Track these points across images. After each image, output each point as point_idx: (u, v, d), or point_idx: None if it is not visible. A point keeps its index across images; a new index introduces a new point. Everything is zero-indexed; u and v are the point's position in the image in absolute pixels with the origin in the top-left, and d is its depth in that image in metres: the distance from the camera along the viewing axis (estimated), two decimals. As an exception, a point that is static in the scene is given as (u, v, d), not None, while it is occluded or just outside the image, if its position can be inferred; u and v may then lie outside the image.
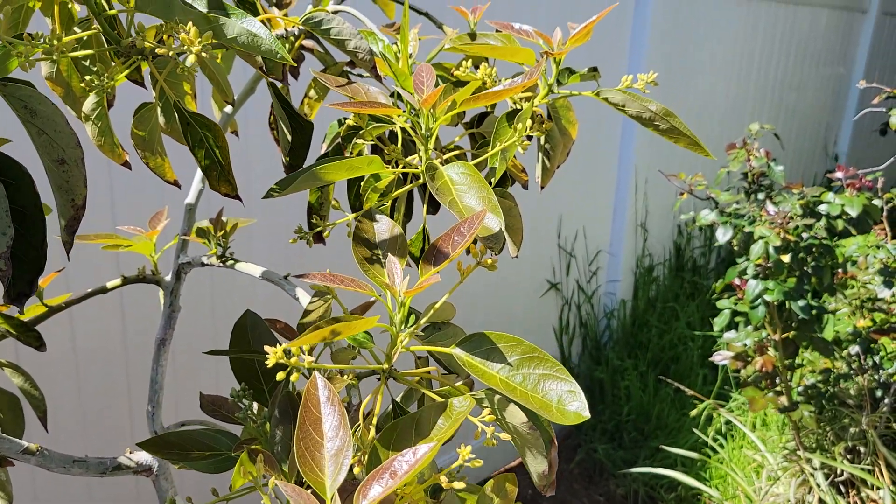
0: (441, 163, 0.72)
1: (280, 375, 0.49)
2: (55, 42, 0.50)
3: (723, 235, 1.89)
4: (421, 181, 0.71)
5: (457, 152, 0.76)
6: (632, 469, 2.69)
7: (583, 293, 3.26)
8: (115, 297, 1.68)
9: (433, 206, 0.83)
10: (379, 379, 0.58)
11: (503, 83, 0.81)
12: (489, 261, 0.59)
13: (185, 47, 0.51)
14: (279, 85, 0.73)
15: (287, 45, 0.85)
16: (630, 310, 3.45)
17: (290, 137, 0.70)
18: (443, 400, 0.55)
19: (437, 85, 0.69)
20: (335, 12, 0.89)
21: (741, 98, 4.02)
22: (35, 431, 1.26)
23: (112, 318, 1.70)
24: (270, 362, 0.48)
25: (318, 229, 0.73)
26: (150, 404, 0.85)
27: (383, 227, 0.64)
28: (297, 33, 0.79)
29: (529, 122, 0.71)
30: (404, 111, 0.71)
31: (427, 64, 0.72)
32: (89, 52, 0.63)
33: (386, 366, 0.56)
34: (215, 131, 0.63)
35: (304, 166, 0.78)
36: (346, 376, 0.61)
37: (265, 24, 0.78)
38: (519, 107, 0.82)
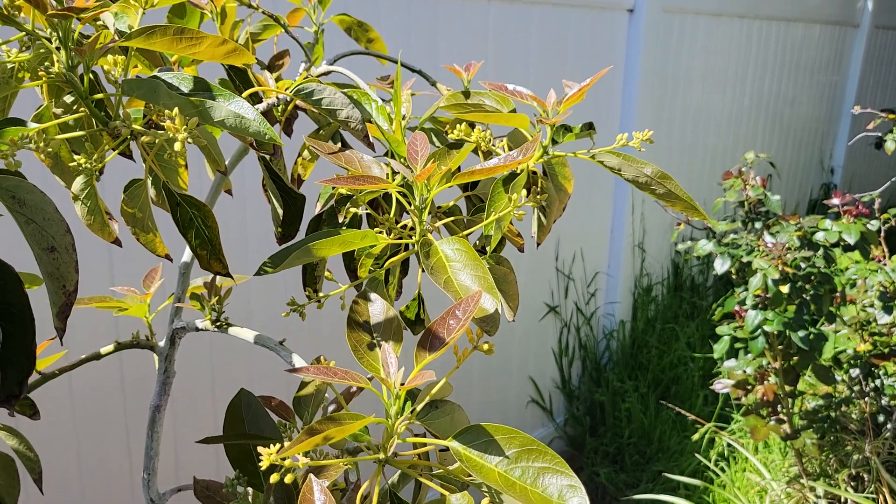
0: (434, 229, 0.72)
1: (274, 478, 0.48)
2: (41, 143, 0.49)
3: (721, 266, 1.88)
4: (415, 250, 0.71)
5: (452, 219, 0.76)
6: (635, 496, 2.67)
7: (581, 315, 3.25)
8: (114, 360, 1.66)
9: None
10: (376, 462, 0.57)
11: (498, 147, 0.81)
12: (485, 346, 0.58)
13: (171, 134, 0.50)
14: (269, 157, 0.72)
15: (280, 107, 0.84)
16: (629, 331, 3.44)
17: (280, 211, 0.70)
18: (440, 489, 0.54)
19: (431, 155, 0.69)
20: (328, 73, 0.89)
21: (736, 112, 4.02)
22: (31, 494, 1.25)
23: (110, 380, 1.69)
24: (264, 464, 0.47)
25: (312, 301, 0.72)
26: (146, 472, 0.84)
27: (378, 310, 0.63)
28: (288, 100, 0.79)
29: (524, 191, 0.71)
30: (396, 180, 0.70)
31: (421, 133, 0.72)
32: (79, 133, 0.62)
33: (382, 455, 0.55)
34: (205, 211, 0.62)
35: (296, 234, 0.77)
36: (342, 459, 0.60)
37: (257, 97, 0.77)
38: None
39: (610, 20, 2.86)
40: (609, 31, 2.88)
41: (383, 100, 0.92)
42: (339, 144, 0.84)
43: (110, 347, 0.86)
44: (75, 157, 0.63)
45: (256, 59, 0.88)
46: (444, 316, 0.58)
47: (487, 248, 0.73)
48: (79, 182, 0.64)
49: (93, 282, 1.55)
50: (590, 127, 0.86)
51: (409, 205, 0.69)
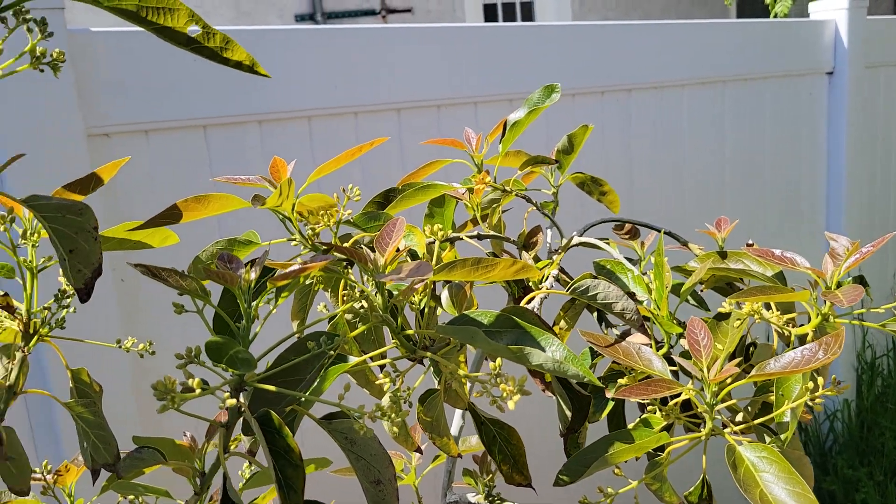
0: (731, 433, 0.70)
1: None
2: (392, 415, 0.54)
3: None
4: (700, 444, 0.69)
5: (743, 417, 0.73)
6: None
7: (799, 395, 3.02)
8: None
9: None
10: None
11: (773, 317, 0.78)
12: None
13: (505, 394, 0.52)
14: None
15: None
16: (855, 410, 3.15)
17: (568, 413, 0.71)
18: None
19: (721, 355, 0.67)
20: (580, 244, 0.90)
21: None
22: None
23: None
24: None
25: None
26: None
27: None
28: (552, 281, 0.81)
29: (821, 378, 0.68)
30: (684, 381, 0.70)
31: (699, 320, 0.71)
32: (383, 358, 0.67)
33: None
34: (508, 430, 0.64)
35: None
36: None
37: (524, 287, 0.80)
38: (783, 331, 0.78)
39: (808, 85, 2.72)
40: (807, 97, 2.74)
41: (630, 259, 0.92)
42: (603, 324, 0.85)
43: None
44: (381, 377, 0.68)
45: (508, 237, 0.92)
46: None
47: (783, 436, 0.70)
48: (387, 399, 0.69)
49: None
50: (862, 282, 0.82)
51: (699, 401, 0.68)
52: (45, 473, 0.85)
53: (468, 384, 0.75)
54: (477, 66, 1.92)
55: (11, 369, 0.67)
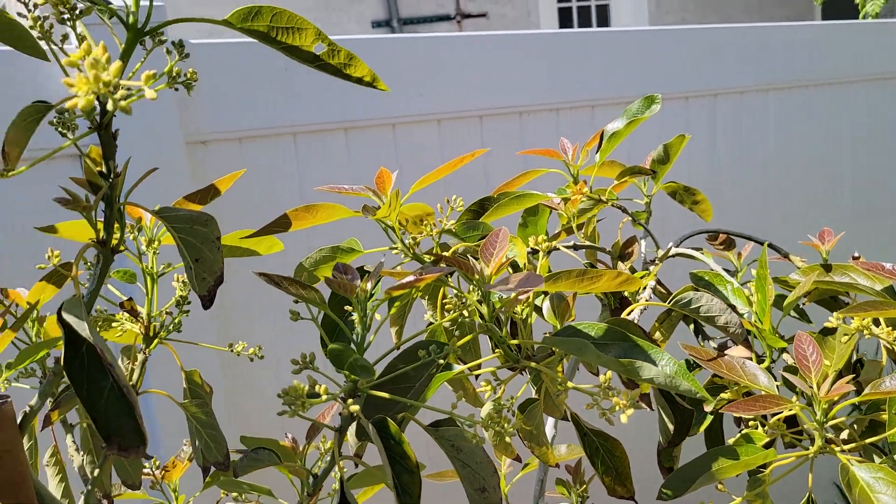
0: (838, 445, 0.68)
1: None
2: (505, 425, 0.54)
3: None
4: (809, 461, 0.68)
5: (849, 434, 0.71)
6: None
7: None
8: None
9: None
10: None
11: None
12: None
13: (617, 407, 0.53)
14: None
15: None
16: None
17: (671, 426, 0.70)
18: None
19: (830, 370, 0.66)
20: (677, 255, 0.89)
21: None
22: None
23: None
24: None
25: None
26: None
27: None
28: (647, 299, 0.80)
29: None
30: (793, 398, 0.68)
31: (807, 335, 0.69)
32: (486, 367, 0.68)
33: None
34: (612, 442, 0.64)
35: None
36: None
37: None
38: (893, 347, 0.76)
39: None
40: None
41: (728, 271, 0.91)
42: (700, 336, 0.84)
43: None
44: (483, 385, 0.68)
45: (603, 247, 0.91)
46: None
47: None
48: (488, 408, 0.70)
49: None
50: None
51: (808, 418, 0.66)
52: (153, 469, 0.89)
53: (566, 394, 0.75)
54: (559, 72, 1.91)
55: (133, 369, 0.70)
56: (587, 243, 0.86)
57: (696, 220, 1.06)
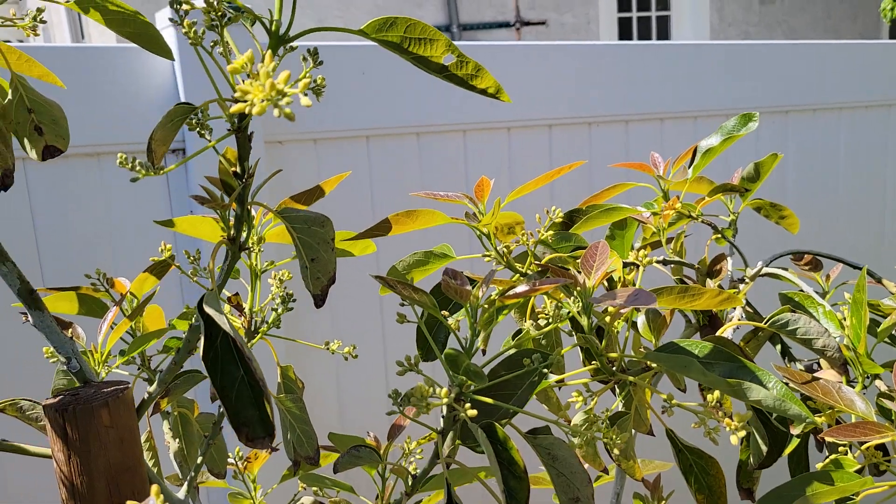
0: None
1: None
2: (614, 437, 0.55)
3: None
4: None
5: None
6: None
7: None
8: None
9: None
10: None
11: None
12: None
13: (729, 428, 0.53)
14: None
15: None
16: None
17: (764, 448, 0.70)
18: None
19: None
20: (765, 274, 0.89)
21: None
22: None
23: None
24: None
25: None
26: None
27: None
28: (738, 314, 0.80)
29: None
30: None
31: (908, 363, 0.68)
32: (580, 378, 0.68)
33: None
34: (707, 460, 0.64)
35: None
36: None
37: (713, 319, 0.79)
38: None
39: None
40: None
41: (815, 293, 0.90)
42: (786, 358, 0.83)
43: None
44: (574, 396, 0.69)
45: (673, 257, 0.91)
46: None
47: None
48: (579, 417, 0.70)
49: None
50: None
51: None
52: (237, 460, 0.92)
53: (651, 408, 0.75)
54: (628, 83, 1.91)
55: (235, 362, 0.72)
56: (676, 258, 0.86)
57: (767, 236, 1.05)
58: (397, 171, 1.66)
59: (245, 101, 0.37)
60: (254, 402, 0.47)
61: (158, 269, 0.82)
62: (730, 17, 6.66)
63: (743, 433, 0.51)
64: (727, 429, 0.52)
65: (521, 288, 0.54)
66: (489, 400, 0.57)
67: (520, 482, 0.52)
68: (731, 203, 0.99)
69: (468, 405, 0.49)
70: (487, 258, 0.79)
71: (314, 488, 0.88)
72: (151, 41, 0.63)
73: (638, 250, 0.95)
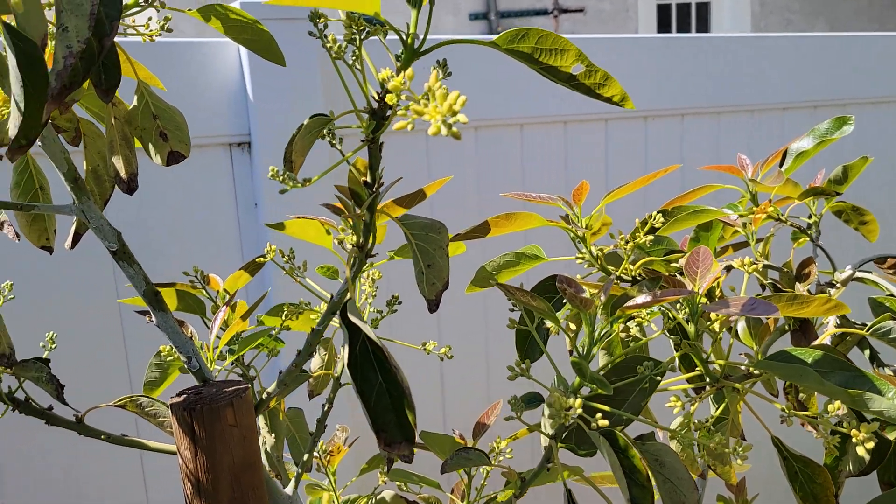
0: None
1: None
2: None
3: None
4: None
5: None
6: None
7: None
8: None
9: None
10: None
11: None
12: None
13: (857, 439, 0.53)
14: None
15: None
16: None
17: (866, 456, 0.70)
18: None
19: None
20: (855, 279, 0.88)
21: None
22: None
23: None
24: None
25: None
26: None
27: None
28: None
29: None
30: None
31: None
32: (687, 383, 0.69)
33: None
34: (813, 469, 0.64)
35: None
36: None
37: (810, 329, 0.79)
38: None
39: None
40: None
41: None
42: (874, 363, 0.83)
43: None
44: (672, 401, 0.69)
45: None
46: None
47: None
48: (677, 421, 0.71)
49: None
50: None
51: None
52: (320, 453, 0.94)
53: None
54: (683, 77, 1.89)
55: (336, 362, 0.74)
56: (764, 262, 0.85)
57: (841, 240, 1.04)
58: (456, 165, 1.67)
59: (406, 119, 0.38)
60: (392, 408, 0.49)
61: (253, 267, 0.83)
62: (771, 4, 6.55)
63: (871, 444, 0.51)
64: (854, 439, 0.52)
65: (643, 298, 0.54)
66: (606, 408, 0.57)
67: (643, 490, 0.53)
68: (815, 205, 0.98)
69: (599, 415, 0.50)
70: (580, 260, 0.79)
71: (398, 483, 0.90)
72: (266, 47, 0.65)
73: (719, 252, 0.95)
